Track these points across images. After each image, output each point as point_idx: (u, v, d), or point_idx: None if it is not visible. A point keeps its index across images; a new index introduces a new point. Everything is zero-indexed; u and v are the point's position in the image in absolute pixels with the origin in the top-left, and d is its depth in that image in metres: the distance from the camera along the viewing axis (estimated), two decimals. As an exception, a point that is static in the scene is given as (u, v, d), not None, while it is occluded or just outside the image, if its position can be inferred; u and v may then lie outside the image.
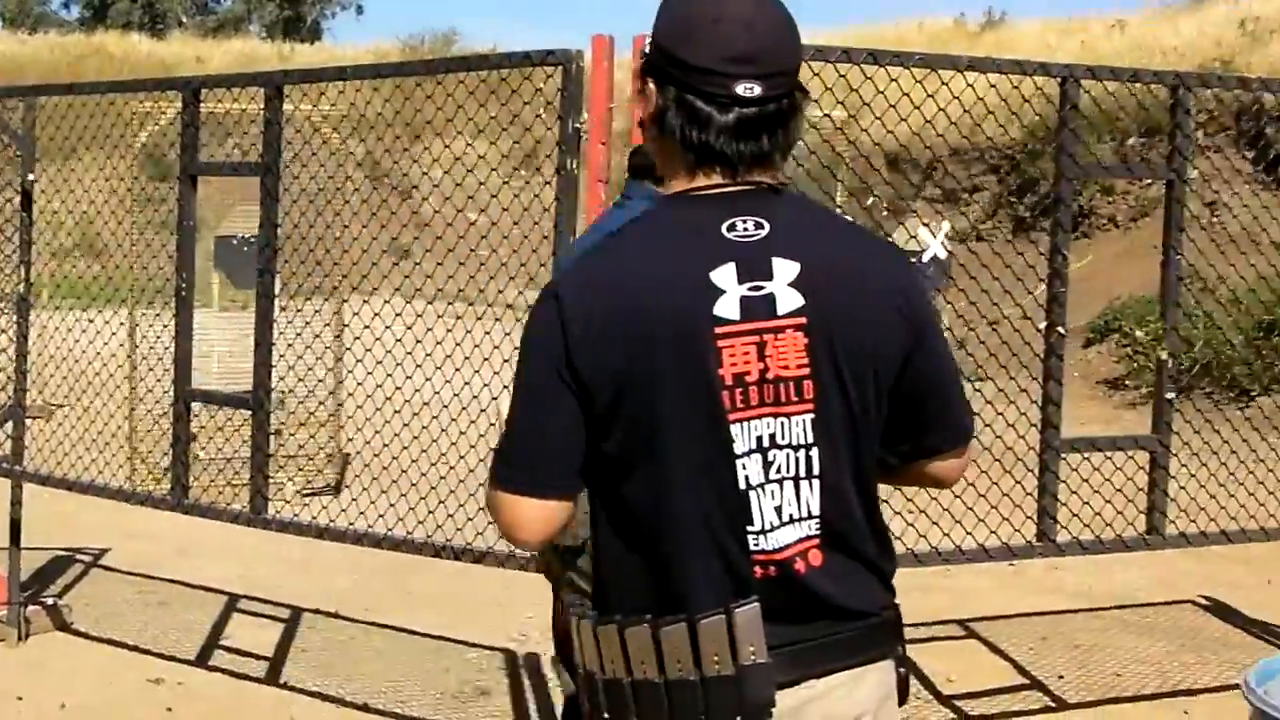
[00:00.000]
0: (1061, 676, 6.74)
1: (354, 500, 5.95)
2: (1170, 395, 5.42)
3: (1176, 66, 17.12)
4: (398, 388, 5.70)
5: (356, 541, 5.56)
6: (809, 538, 2.34)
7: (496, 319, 5.14)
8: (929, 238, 10.78)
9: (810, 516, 2.34)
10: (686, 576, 2.31)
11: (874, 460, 2.41)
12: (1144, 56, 19.42)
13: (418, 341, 5.59)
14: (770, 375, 2.30)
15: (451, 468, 5.30)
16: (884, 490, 2.58)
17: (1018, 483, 5.42)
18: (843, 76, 4.81)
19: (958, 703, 6.36)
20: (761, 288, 2.31)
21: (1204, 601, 7.98)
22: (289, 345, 6.95)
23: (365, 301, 6.25)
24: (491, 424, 4.93)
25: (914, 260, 11.44)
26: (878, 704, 2.41)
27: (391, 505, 5.57)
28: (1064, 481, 5.26)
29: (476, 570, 5.70)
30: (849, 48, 4.76)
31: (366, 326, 6.08)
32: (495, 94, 5.05)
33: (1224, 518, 5.91)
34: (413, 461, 5.51)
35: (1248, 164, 16.21)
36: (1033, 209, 19.25)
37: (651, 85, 2.40)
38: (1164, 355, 5.42)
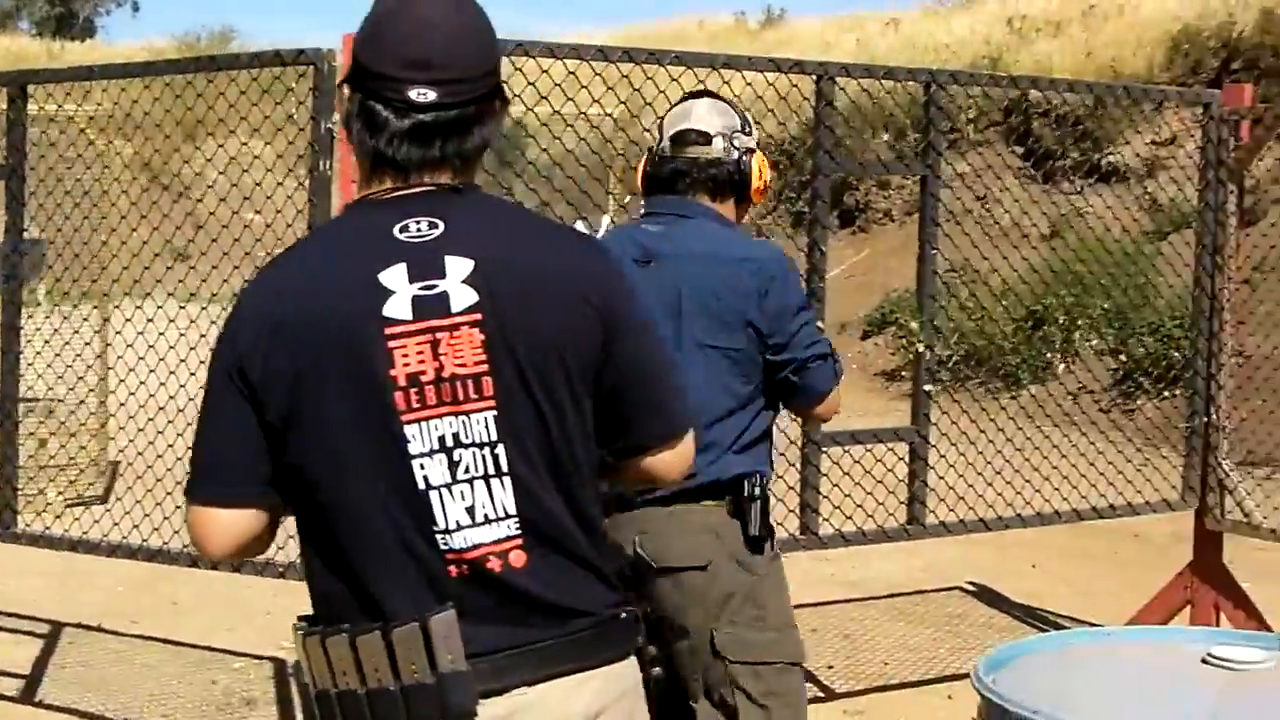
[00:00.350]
0: (830, 666, 6.82)
1: (108, 510, 5.76)
2: (928, 388, 5.51)
3: (948, 63, 17.52)
4: (153, 393, 5.53)
5: (111, 553, 5.39)
6: (509, 538, 2.30)
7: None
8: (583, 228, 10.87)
9: (508, 515, 2.30)
10: (380, 581, 2.28)
11: (582, 457, 2.37)
12: (917, 54, 19.82)
13: (170, 347, 5.42)
14: (446, 374, 2.27)
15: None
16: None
17: (779, 477, 5.45)
18: (597, 74, 4.79)
19: (729, 696, 6.40)
20: (434, 286, 2.28)
21: (970, 588, 8.15)
22: (38, 353, 6.73)
23: (117, 307, 6.05)
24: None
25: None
26: (602, 709, 2.35)
27: (147, 515, 5.39)
28: (825, 475, 5.31)
29: (244, 579, 5.56)
30: (606, 46, 4.75)
31: (120, 330, 5.88)
32: (245, 93, 4.92)
33: (984, 505, 6.02)
34: (167, 470, 5.34)
35: (1016, 159, 16.60)
36: (811, 204, 19.51)
37: (346, 90, 2.40)
38: (921, 348, 5.50)
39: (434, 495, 2.27)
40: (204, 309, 5.42)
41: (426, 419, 2.27)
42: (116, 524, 5.45)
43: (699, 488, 3.64)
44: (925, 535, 5.63)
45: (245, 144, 5.50)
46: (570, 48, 4.61)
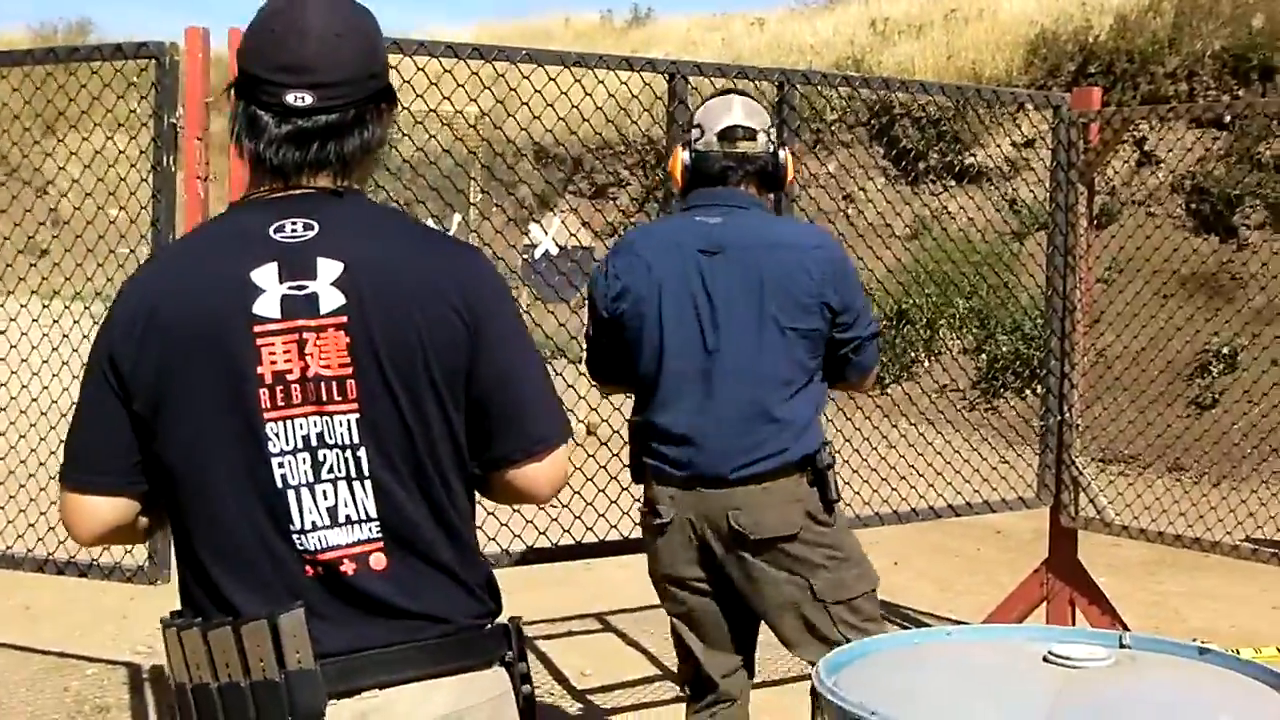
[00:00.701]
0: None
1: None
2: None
3: (813, 63, 17.63)
4: (15, 394, 5.37)
5: (-47, 559, 5.22)
6: (370, 540, 2.32)
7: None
8: (540, 234, 10.89)
9: (369, 519, 2.32)
10: (235, 577, 2.31)
11: (449, 466, 2.38)
12: (782, 53, 19.90)
13: (11, 346, 5.26)
14: (311, 374, 2.29)
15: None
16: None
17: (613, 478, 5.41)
18: (446, 71, 4.73)
19: (591, 696, 6.39)
20: (304, 287, 2.30)
21: (833, 585, 8.17)
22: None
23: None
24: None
25: (526, 257, 11.54)
26: (455, 716, 2.35)
27: (10, 521, 5.19)
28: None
29: (101, 583, 5.44)
30: (456, 43, 4.68)
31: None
32: (86, 87, 4.81)
33: (859, 502, 6.05)
34: (10, 472, 5.21)
35: (881, 160, 16.74)
36: (665, 203, 19.48)
37: (233, 95, 2.42)
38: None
39: (291, 494, 2.30)
40: (46, 306, 5.30)
41: (290, 417, 2.29)
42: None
43: (791, 464, 4.03)
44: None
45: (86, 138, 5.36)
46: (419, 44, 4.55)
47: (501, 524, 4.89)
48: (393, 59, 4.57)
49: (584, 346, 4.32)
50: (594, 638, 7.30)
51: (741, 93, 4.25)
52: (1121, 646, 2.65)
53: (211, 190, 4.44)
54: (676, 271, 4.02)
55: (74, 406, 2.42)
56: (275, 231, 2.33)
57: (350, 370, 2.30)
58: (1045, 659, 2.55)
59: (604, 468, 5.23)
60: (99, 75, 4.75)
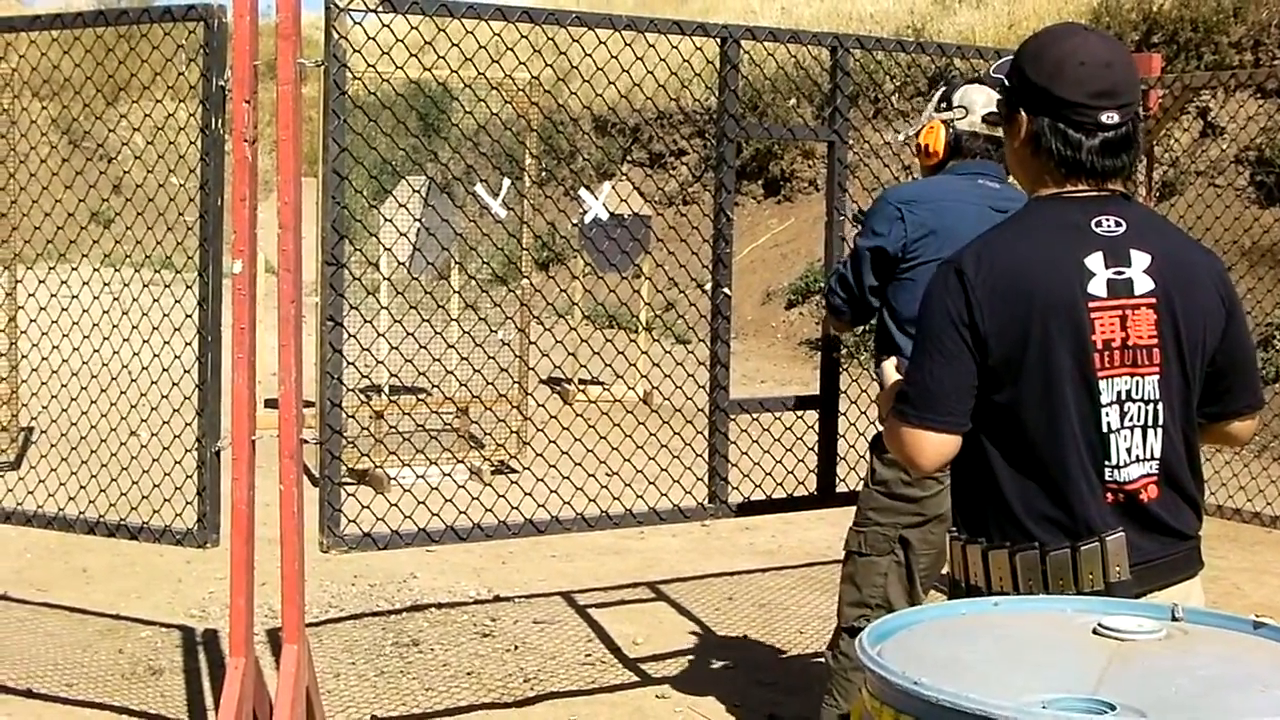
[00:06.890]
0: (745, 635, 6.81)
1: (21, 478, 5.61)
2: (836, 355, 5.47)
3: (874, 32, 17.49)
4: (66, 359, 5.38)
5: (26, 523, 5.14)
6: (1149, 475, 2.97)
7: (188, 286, 4.89)
8: (590, 200, 10.84)
9: (1152, 458, 2.97)
10: (1048, 500, 2.94)
11: (1193, 415, 3.05)
12: (842, 22, 19.76)
13: (84, 310, 5.24)
14: (1130, 342, 2.94)
15: (134, 434, 5.02)
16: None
17: (688, 445, 5.38)
18: (497, 35, 4.70)
19: (643, 665, 6.37)
20: (1123, 272, 2.94)
21: (886, 556, 8.12)
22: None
23: (29, 268, 5.88)
24: (186, 397, 4.70)
25: (575, 223, 11.50)
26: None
27: (63, 484, 5.17)
28: (734, 442, 5.23)
29: (157, 547, 5.43)
30: (505, 6, 4.63)
31: (34, 293, 5.65)
32: (146, 54, 4.79)
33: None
34: (82, 438, 5.20)
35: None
36: (738, 172, 19.40)
37: (1023, 113, 3.02)
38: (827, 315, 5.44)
39: (1113, 437, 2.95)
40: (117, 271, 5.28)
41: (1111, 376, 2.94)
42: (31, 492, 5.28)
43: None
44: (835, 504, 5.57)
45: (159, 101, 5.33)
46: (469, 6, 4.51)
47: (550, 491, 4.89)
48: (469, 23, 4.58)
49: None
50: (646, 606, 7.28)
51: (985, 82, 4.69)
52: (1174, 619, 2.60)
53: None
54: None
55: (922, 360, 2.97)
56: (1095, 226, 2.95)
57: (1156, 341, 2.95)
58: (1095, 631, 2.51)
59: (654, 435, 5.19)
60: (171, 37, 4.73)
